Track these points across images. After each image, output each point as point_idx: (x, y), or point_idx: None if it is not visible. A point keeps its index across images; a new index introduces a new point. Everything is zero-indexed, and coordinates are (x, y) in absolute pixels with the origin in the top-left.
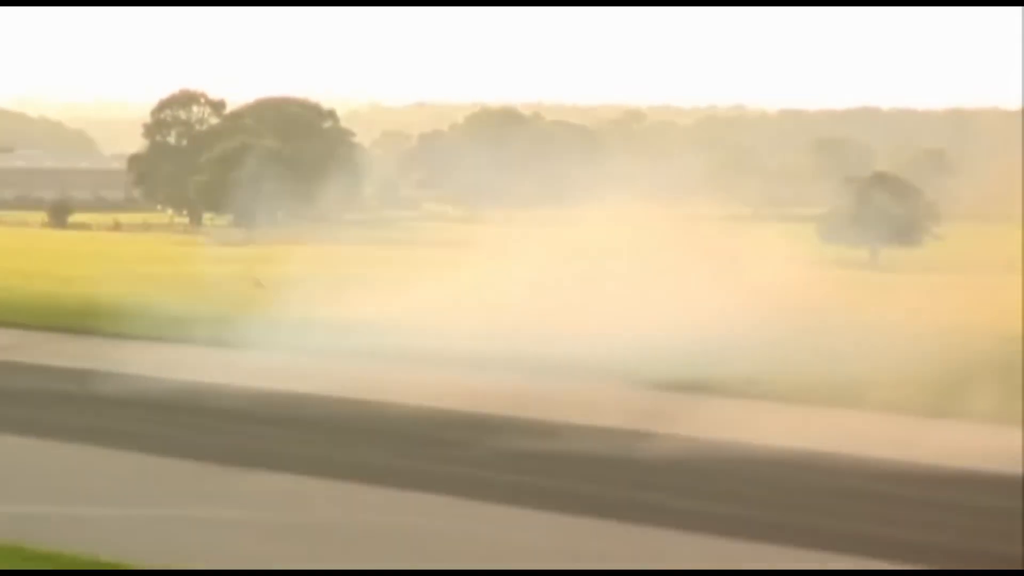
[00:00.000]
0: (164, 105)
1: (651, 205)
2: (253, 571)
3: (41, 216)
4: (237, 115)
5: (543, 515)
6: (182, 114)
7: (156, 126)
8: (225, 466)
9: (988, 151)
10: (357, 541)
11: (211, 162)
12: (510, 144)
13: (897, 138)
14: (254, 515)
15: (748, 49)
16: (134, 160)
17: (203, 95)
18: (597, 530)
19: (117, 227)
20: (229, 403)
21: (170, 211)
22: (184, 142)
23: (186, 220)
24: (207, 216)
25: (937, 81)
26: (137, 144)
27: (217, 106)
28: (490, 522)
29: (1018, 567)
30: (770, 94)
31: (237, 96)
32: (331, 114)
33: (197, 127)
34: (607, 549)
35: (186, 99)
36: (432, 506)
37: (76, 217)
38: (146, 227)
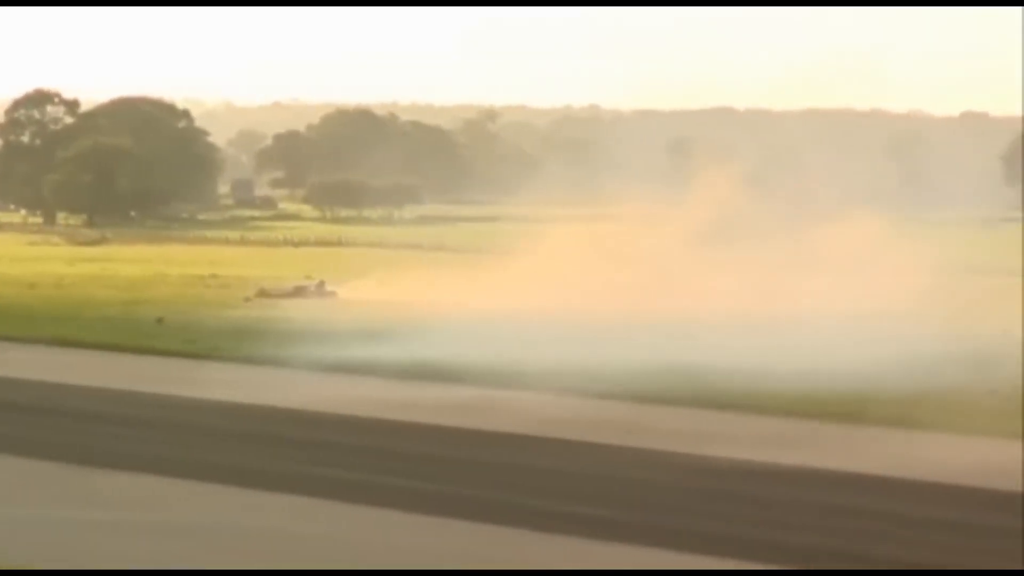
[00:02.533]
0: (18, 104)
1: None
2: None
3: None
4: (92, 115)
5: None
6: (36, 114)
7: (10, 125)
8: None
9: (842, 151)
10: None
11: (65, 162)
12: (366, 144)
13: (753, 137)
14: (118, 516)
15: (603, 49)
16: None
17: (57, 95)
18: None
19: None
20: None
21: (23, 211)
22: (38, 142)
23: (40, 220)
24: (61, 216)
25: (793, 81)
26: None
27: (71, 106)
28: None
29: None
30: (625, 94)
31: (92, 96)
32: (186, 114)
33: (51, 127)
34: None
35: (40, 99)
36: None
37: None
38: None
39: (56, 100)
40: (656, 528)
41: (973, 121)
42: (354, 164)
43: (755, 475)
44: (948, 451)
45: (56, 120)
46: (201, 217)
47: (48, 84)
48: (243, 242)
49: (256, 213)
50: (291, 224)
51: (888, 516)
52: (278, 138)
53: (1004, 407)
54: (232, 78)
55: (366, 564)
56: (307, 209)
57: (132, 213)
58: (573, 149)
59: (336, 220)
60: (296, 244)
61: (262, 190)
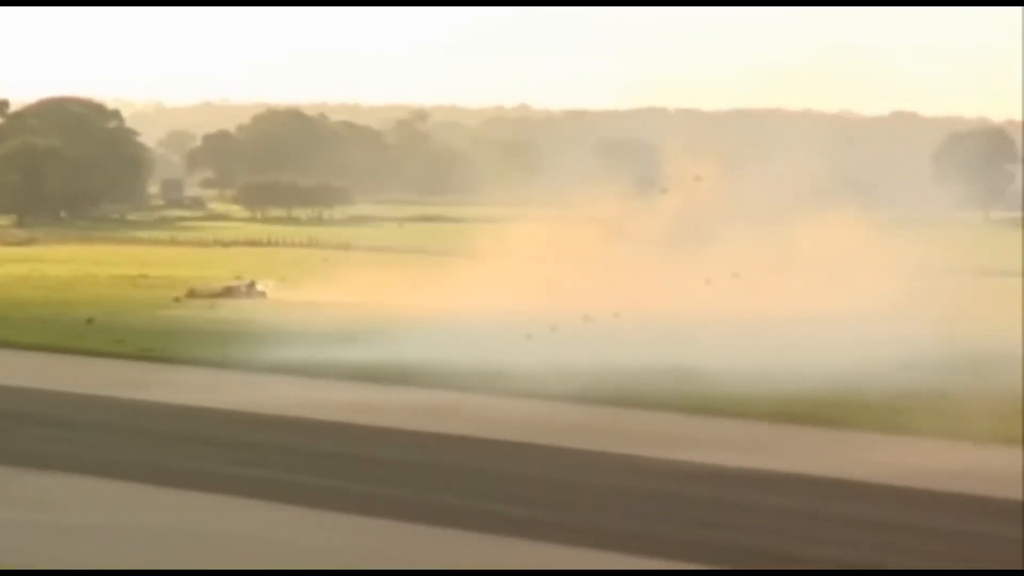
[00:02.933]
0: None
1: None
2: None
3: None
4: (20, 115)
5: None
6: None
7: None
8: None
9: (771, 152)
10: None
11: None
12: (296, 144)
13: (683, 138)
14: (39, 516)
15: (530, 49)
16: None
17: None
18: None
19: None
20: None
21: None
22: None
23: None
24: None
25: (722, 81)
26: None
27: (0, 106)
28: None
29: None
30: (555, 94)
31: (20, 96)
32: (116, 114)
33: None
34: None
35: None
36: None
37: None
38: None
39: None
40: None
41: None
42: (284, 164)
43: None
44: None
45: None
46: (131, 217)
47: None
48: (173, 242)
49: (186, 213)
50: (221, 224)
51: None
52: (208, 138)
53: (988, 410)
54: (162, 78)
55: (292, 562)
56: (237, 209)
57: (62, 214)
58: (504, 150)
59: (266, 220)
60: (226, 244)
61: (192, 190)
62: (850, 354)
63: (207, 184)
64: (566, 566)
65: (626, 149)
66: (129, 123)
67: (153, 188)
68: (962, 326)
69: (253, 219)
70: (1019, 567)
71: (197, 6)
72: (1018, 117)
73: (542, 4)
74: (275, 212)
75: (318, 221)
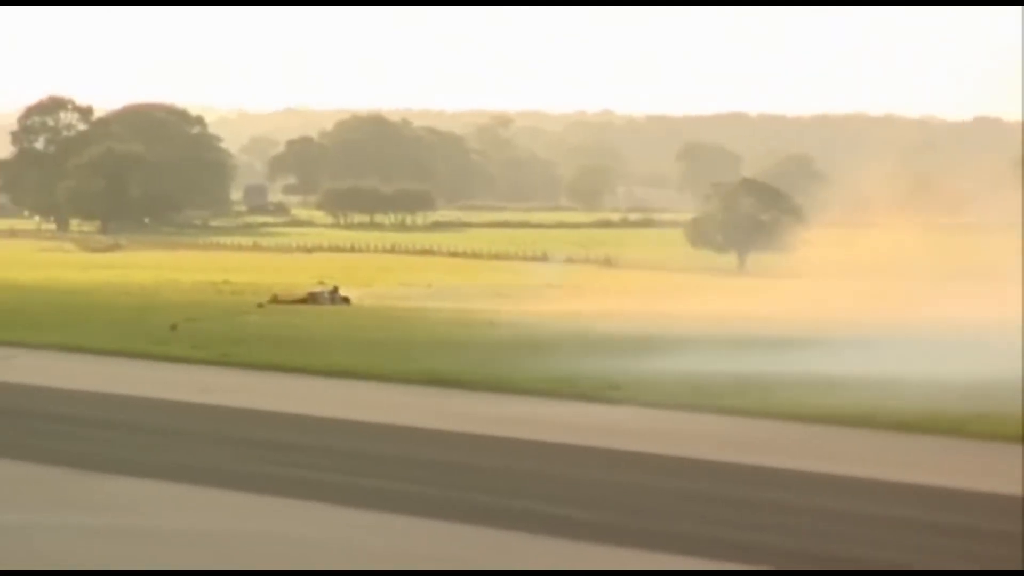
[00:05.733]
0: (31, 111)
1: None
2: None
3: None
4: (105, 121)
5: None
6: (49, 120)
7: (23, 132)
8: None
9: (854, 157)
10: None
11: (78, 168)
12: (379, 150)
13: (765, 143)
14: (121, 521)
15: (617, 54)
16: (1, 166)
17: (71, 101)
18: None
19: None
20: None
21: (37, 217)
22: (52, 148)
23: (53, 226)
24: (74, 222)
25: (804, 86)
26: (4, 150)
27: (85, 112)
28: None
29: None
30: (638, 99)
31: (105, 102)
32: (199, 120)
33: (65, 133)
34: None
35: (53, 105)
36: None
37: None
38: (12, 233)
39: (69, 107)
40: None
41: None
42: (367, 170)
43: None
44: None
45: (69, 127)
46: (214, 223)
47: (61, 91)
48: (256, 248)
49: (269, 219)
50: (304, 230)
51: None
52: (291, 144)
53: None
54: (245, 84)
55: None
56: (320, 215)
57: (145, 220)
58: (586, 155)
59: (349, 226)
60: (309, 250)
61: (275, 196)
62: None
63: (290, 190)
64: None
65: (709, 154)
66: (212, 129)
67: (236, 194)
68: None
69: (336, 225)
70: None
71: (285, 5)
72: None
73: (620, 4)
74: (358, 218)
75: (401, 227)
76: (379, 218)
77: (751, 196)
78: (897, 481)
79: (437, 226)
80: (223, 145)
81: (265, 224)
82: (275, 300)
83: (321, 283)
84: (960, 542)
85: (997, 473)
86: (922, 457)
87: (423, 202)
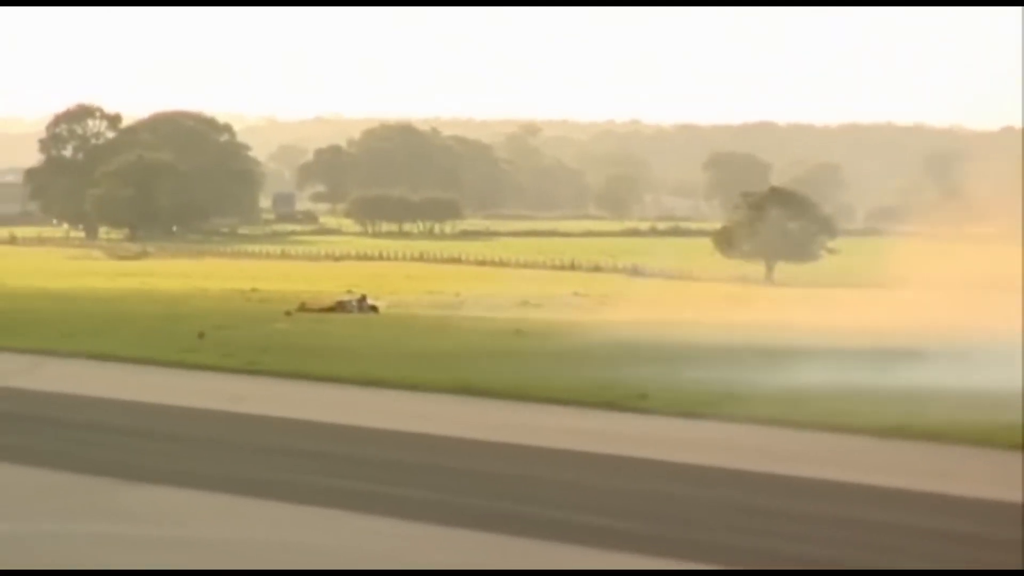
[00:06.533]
0: (60, 119)
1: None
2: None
3: None
4: (133, 129)
5: None
6: (78, 128)
7: (52, 140)
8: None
9: (882, 166)
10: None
11: (107, 176)
12: (407, 158)
13: (793, 153)
14: (147, 530)
15: (645, 63)
16: (30, 174)
17: (99, 109)
18: None
19: (12, 241)
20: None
21: (66, 225)
22: (80, 156)
23: (82, 234)
24: (103, 230)
25: (832, 96)
26: (33, 158)
27: (113, 120)
28: None
29: None
30: (666, 109)
31: (133, 110)
32: (227, 128)
33: (93, 141)
34: None
35: (82, 113)
36: None
37: None
38: (41, 241)
39: (98, 114)
40: None
41: None
42: (395, 179)
43: None
44: None
45: (98, 134)
46: (242, 231)
47: (88, 98)
48: (284, 256)
49: (297, 227)
50: (332, 238)
51: None
52: (319, 153)
53: None
54: (274, 93)
55: None
56: (348, 224)
57: (174, 227)
58: (614, 163)
59: (377, 234)
60: (337, 258)
61: (303, 204)
62: None
63: (318, 198)
64: None
65: (737, 163)
66: (241, 137)
67: (264, 202)
68: None
69: (364, 233)
70: None
71: (311, 5)
72: None
73: (647, 4)
74: (386, 226)
75: (429, 235)
76: (407, 226)
77: (779, 205)
78: (935, 492)
79: (465, 235)
80: (252, 153)
81: (293, 232)
82: (303, 308)
83: (349, 291)
84: None
85: None
86: (949, 466)
87: (451, 211)
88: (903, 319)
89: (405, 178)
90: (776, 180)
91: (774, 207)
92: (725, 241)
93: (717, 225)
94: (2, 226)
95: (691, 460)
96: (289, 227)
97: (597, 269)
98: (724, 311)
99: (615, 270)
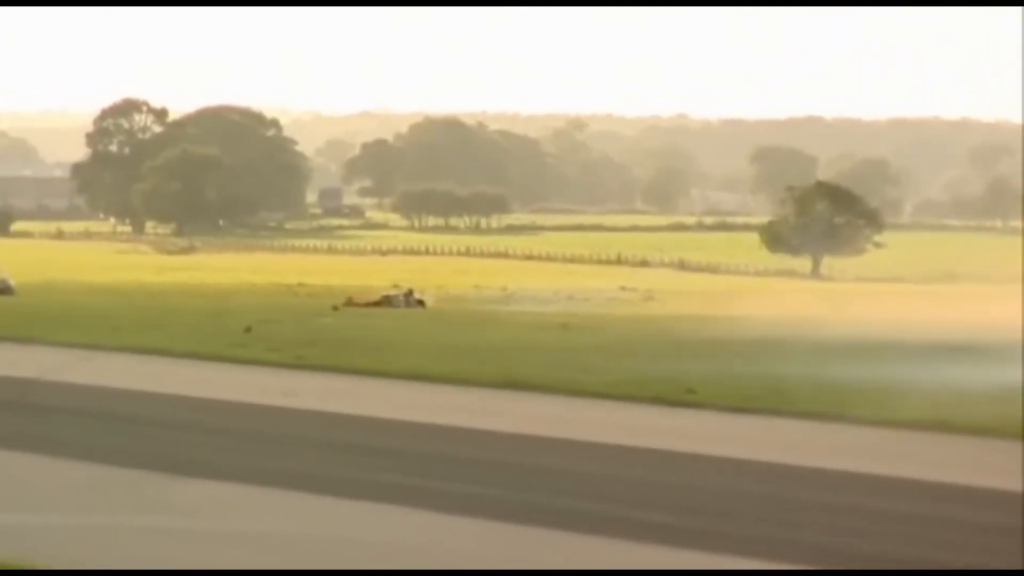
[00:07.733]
0: (106, 114)
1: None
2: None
3: None
4: (180, 124)
5: None
6: (124, 123)
7: (99, 135)
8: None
9: (929, 160)
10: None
11: (153, 170)
12: (454, 153)
13: (840, 147)
14: (196, 523)
15: (691, 58)
16: (77, 168)
17: (145, 104)
18: None
19: (60, 235)
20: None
21: (112, 220)
22: (127, 151)
23: (129, 229)
24: (150, 224)
25: (880, 90)
26: (80, 153)
27: (160, 114)
28: None
29: None
30: (713, 103)
31: (180, 104)
32: (274, 123)
33: (140, 136)
34: None
35: (128, 108)
36: None
37: (18, 225)
38: (88, 235)
39: (144, 109)
40: None
41: None
42: (442, 173)
43: None
44: None
45: (144, 129)
46: (289, 226)
47: (136, 93)
48: (331, 251)
49: (344, 222)
50: (379, 233)
51: None
52: (366, 147)
53: None
54: (321, 87)
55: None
56: (395, 218)
57: (220, 222)
58: (661, 158)
59: (423, 229)
60: (383, 253)
61: (350, 199)
62: None
63: (365, 193)
64: None
65: (783, 157)
66: (287, 132)
67: (311, 197)
68: None
69: (411, 228)
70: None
71: (360, 5)
72: None
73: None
74: (433, 221)
75: (475, 230)
76: (454, 221)
77: (826, 199)
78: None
79: (511, 229)
80: (298, 148)
81: (340, 227)
82: (350, 303)
83: (396, 286)
84: None
85: None
86: (996, 460)
87: (498, 205)
88: (951, 313)
89: (451, 172)
90: (822, 175)
91: (820, 201)
92: (771, 236)
93: (764, 219)
94: (50, 221)
95: (740, 455)
96: (336, 221)
97: (644, 264)
98: (770, 305)
99: (661, 264)
